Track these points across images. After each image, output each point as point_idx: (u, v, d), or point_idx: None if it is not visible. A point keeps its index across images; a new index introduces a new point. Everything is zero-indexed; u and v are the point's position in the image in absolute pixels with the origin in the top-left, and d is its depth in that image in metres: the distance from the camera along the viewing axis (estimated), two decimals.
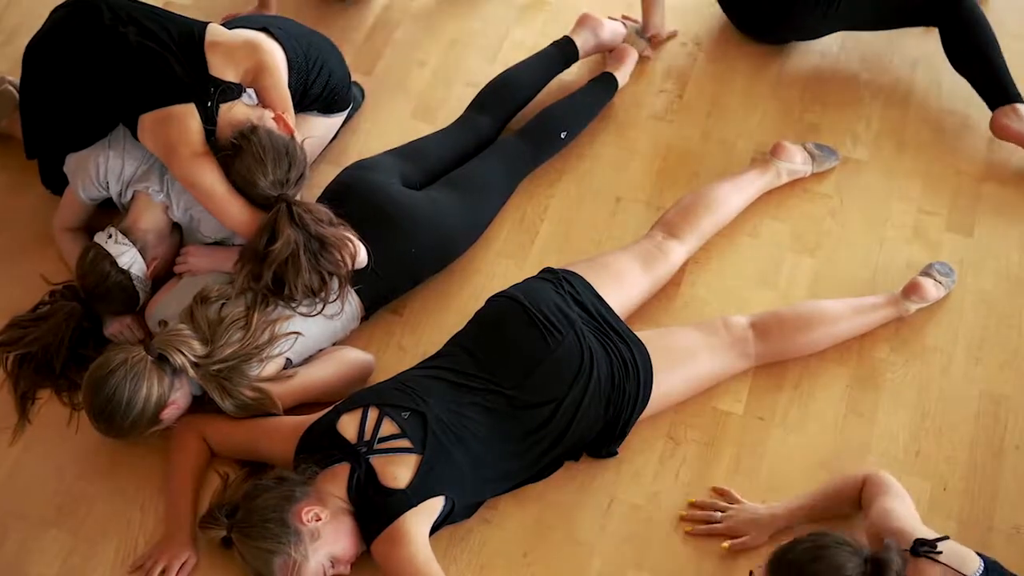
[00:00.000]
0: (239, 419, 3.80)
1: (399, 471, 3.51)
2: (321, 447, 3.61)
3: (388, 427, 3.58)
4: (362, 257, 3.98)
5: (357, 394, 3.77)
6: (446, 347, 3.91)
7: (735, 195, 4.40)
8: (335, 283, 3.90)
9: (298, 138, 3.97)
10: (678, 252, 4.22)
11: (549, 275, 3.99)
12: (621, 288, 4.04)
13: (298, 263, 3.79)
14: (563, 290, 3.91)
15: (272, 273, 3.81)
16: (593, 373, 3.74)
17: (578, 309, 3.87)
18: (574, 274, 3.98)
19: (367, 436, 3.57)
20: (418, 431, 3.58)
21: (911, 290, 4.16)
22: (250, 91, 4.08)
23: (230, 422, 3.81)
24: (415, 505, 3.48)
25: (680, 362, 3.91)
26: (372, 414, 3.61)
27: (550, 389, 3.72)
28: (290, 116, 4.03)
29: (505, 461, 3.69)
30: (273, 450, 3.74)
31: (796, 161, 4.53)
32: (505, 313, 3.86)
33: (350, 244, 3.90)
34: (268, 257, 3.81)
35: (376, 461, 3.52)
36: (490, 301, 3.97)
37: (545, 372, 3.73)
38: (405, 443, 3.55)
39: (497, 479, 3.71)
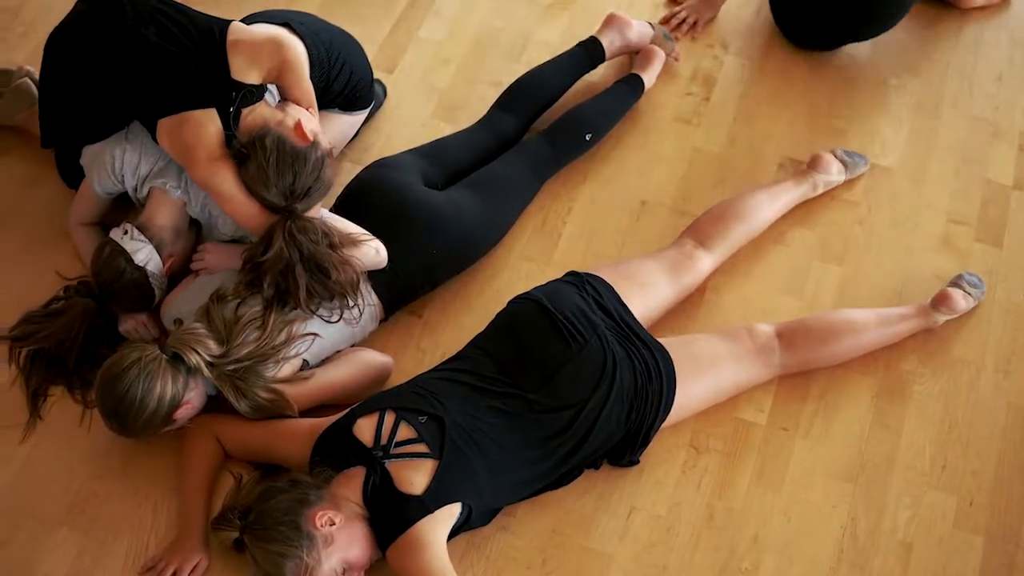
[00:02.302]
0: (254, 420, 3.75)
1: (415, 476, 3.46)
2: (336, 451, 3.57)
3: (405, 431, 3.53)
4: (382, 256, 3.93)
5: (373, 397, 3.72)
6: (466, 349, 3.86)
7: (768, 206, 4.34)
8: (350, 292, 3.86)
9: (322, 140, 3.90)
10: (706, 262, 4.16)
11: (573, 278, 3.94)
12: (645, 295, 3.99)
13: (296, 277, 3.74)
14: (586, 294, 3.85)
15: (271, 283, 3.77)
16: (616, 379, 3.69)
17: (601, 313, 3.82)
18: (598, 278, 3.93)
19: (383, 440, 3.52)
20: (435, 436, 3.53)
21: (940, 301, 4.10)
22: (273, 88, 4.03)
23: (245, 423, 3.77)
24: (432, 512, 3.43)
25: (704, 370, 3.86)
26: (388, 418, 3.57)
27: (571, 393, 3.66)
28: (314, 111, 4.00)
29: (524, 467, 3.63)
30: (287, 452, 3.69)
31: (832, 172, 4.47)
32: (527, 316, 3.81)
33: (349, 267, 3.84)
34: (262, 267, 3.77)
35: (392, 466, 3.47)
36: (512, 303, 3.92)
37: (566, 376, 3.68)
38: (422, 448, 3.50)
39: (515, 485, 3.66)
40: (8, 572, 3.66)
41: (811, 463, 3.90)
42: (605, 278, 3.94)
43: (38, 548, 3.71)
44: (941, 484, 3.87)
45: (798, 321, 4.02)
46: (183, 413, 3.67)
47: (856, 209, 4.50)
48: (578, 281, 3.91)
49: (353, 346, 4.03)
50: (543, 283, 3.96)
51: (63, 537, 3.73)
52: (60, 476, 3.85)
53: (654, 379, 3.74)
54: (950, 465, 3.91)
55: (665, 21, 5.07)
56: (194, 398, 3.70)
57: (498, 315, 3.91)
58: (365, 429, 3.55)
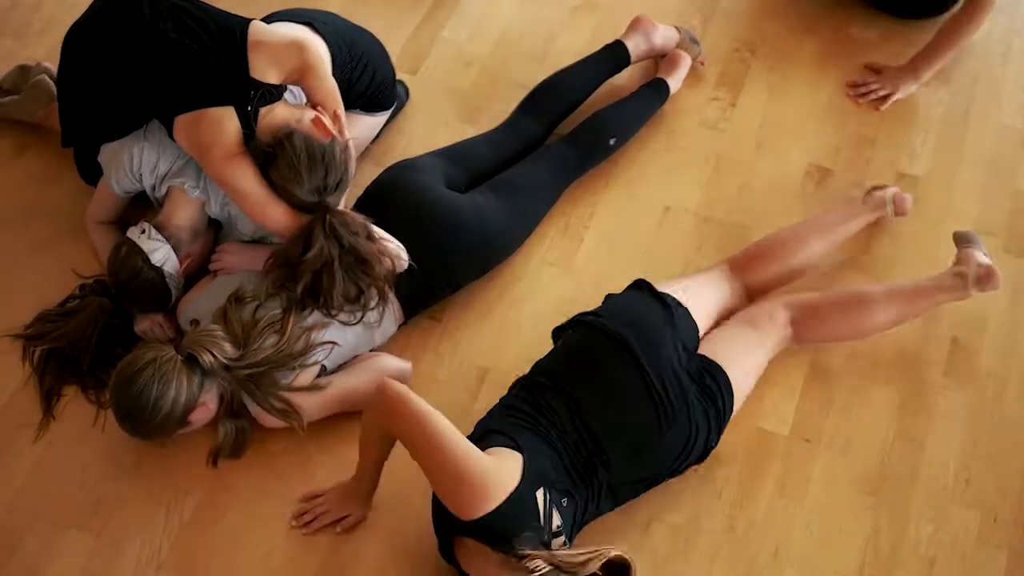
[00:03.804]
0: (427, 440, 3.35)
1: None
2: (520, 523, 3.30)
3: (556, 519, 3.37)
4: (403, 259, 3.90)
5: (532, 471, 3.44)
6: (549, 391, 3.59)
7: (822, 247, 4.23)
8: (373, 293, 3.82)
9: (341, 137, 3.88)
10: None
11: (658, 304, 3.76)
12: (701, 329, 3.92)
13: (332, 274, 3.73)
14: (677, 340, 3.69)
15: (306, 282, 3.75)
16: (692, 452, 3.65)
17: (685, 366, 3.68)
18: (689, 316, 3.80)
19: (542, 524, 3.33)
20: (571, 524, 3.42)
21: (986, 279, 4.00)
22: (295, 88, 4.00)
23: (419, 436, 3.36)
24: None
25: (742, 366, 3.80)
26: (540, 497, 3.35)
27: (651, 467, 3.63)
28: (340, 112, 3.97)
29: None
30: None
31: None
32: (623, 374, 3.58)
33: (387, 259, 3.82)
34: (301, 266, 3.75)
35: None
36: (591, 332, 3.68)
37: (652, 453, 3.59)
38: (564, 540, 3.38)
39: None
40: (19, 575, 3.64)
41: (833, 475, 3.87)
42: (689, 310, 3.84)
43: (49, 550, 3.69)
44: (965, 499, 3.83)
45: (810, 303, 3.98)
46: (198, 415, 3.66)
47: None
48: (666, 309, 3.75)
49: (372, 350, 4.00)
50: (622, 298, 3.83)
51: (74, 539, 3.71)
52: (73, 477, 3.83)
53: (718, 425, 3.71)
54: (974, 480, 3.87)
55: (853, 86, 4.95)
56: (209, 400, 3.67)
57: (578, 347, 3.70)
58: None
